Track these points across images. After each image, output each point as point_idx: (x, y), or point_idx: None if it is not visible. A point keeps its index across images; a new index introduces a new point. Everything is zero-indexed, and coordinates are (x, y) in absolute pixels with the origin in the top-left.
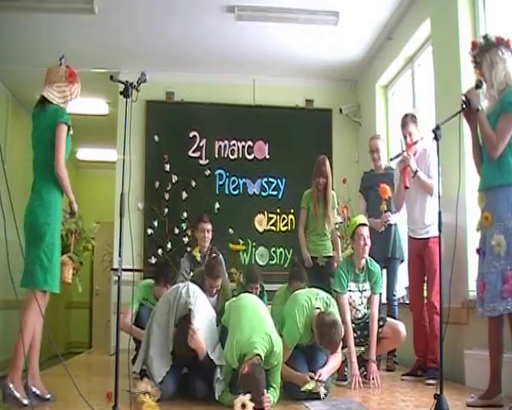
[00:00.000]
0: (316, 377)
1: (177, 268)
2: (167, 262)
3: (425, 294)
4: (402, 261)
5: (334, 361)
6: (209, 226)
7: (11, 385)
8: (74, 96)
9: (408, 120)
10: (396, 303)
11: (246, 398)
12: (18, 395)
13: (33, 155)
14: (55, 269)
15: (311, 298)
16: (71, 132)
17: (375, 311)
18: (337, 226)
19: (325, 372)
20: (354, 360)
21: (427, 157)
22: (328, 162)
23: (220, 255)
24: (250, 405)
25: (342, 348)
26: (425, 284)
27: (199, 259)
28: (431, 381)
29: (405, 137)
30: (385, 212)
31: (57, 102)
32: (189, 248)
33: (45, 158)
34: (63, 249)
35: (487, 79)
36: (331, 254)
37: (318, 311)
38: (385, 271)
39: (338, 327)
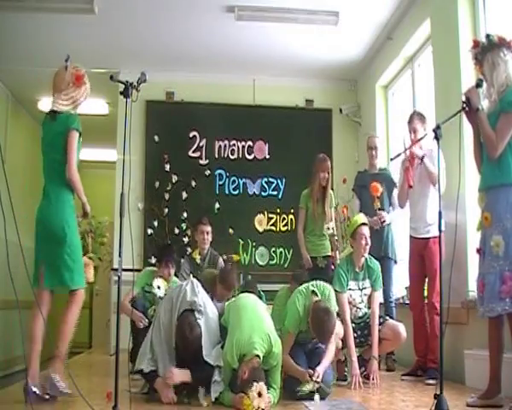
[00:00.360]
0: (314, 378)
1: (176, 268)
2: (170, 244)
3: (425, 294)
4: (396, 262)
5: (329, 355)
6: (208, 228)
7: (57, 377)
8: (84, 98)
9: (414, 116)
10: (393, 304)
11: (263, 386)
12: (62, 385)
13: (43, 160)
14: (79, 267)
15: (309, 286)
16: (81, 139)
17: (375, 308)
18: (333, 232)
19: (321, 369)
20: (354, 358)
21: (433, 159)
22: (329, 160)
23: (220, 259)
24: (266, 394)
25: (342, 348)
26: (425, 284)
27: (198, 261)
28: (431, 381)
29: (410, 132)
30: (378, 210)
31: (67, 110)
32: (189, 249)
33: (56, 163)
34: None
35: (488, 80)
36: (330, 254)
37: (316, 298)
38: None
39: (331, 315)
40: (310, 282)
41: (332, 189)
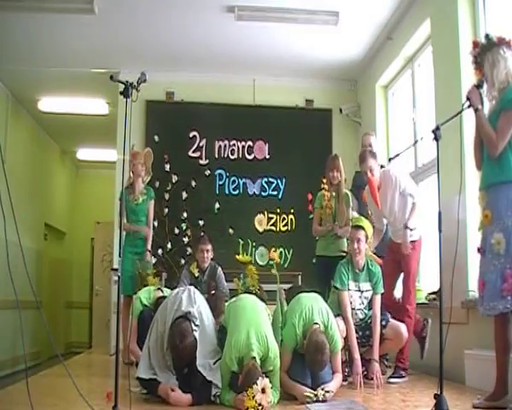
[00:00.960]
0: (323, 387)
1: (176, 268)
2: None
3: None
4: None
5: (338, 380)
6: (208, 247)
7: None
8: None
9: (367, 154)
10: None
11: (267, 383)
12: None
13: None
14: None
15: (314, 311)
16: None
17: (377, 311)
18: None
19: (334, 389)
20: (357, 356)
21: (396, 181)
22: (340, 159)
23: (219, 269)
24: (269, 392)
25: (343, 347)
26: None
27: (197, 275)
28: (393, 380)
29: (366, 173)
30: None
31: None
32: (189, 249)
33: None
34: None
35: (489, 79)
36: (343, 254)
37: (316, 326)
38: None
39: (324, 353)
40: (316, 302)
41: (351, 190)
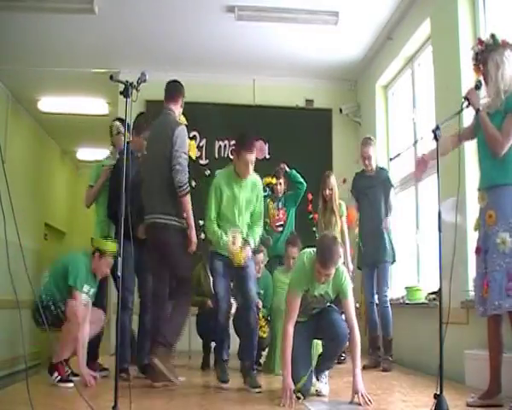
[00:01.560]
0: (360, 395)
1: None
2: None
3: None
4: (393, 262)
5: (358, 363)
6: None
7: None
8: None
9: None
10: (387, 304)
11: (237, 230)
12: None
13: None
14: None
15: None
16: None
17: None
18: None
19: (359, 381)
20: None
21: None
22: (332, 176)
23: None
24: (238, 238)
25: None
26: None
27: None
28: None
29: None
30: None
31: None
32: None
33: None
34: None
35: (492, 78)
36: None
37: None
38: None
39: (336, 243)
40: None
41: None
